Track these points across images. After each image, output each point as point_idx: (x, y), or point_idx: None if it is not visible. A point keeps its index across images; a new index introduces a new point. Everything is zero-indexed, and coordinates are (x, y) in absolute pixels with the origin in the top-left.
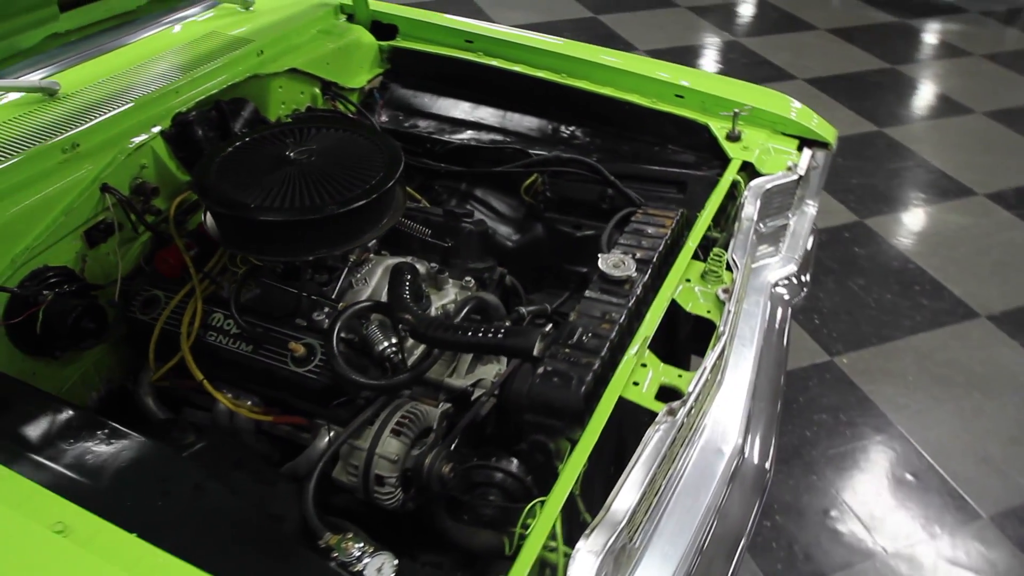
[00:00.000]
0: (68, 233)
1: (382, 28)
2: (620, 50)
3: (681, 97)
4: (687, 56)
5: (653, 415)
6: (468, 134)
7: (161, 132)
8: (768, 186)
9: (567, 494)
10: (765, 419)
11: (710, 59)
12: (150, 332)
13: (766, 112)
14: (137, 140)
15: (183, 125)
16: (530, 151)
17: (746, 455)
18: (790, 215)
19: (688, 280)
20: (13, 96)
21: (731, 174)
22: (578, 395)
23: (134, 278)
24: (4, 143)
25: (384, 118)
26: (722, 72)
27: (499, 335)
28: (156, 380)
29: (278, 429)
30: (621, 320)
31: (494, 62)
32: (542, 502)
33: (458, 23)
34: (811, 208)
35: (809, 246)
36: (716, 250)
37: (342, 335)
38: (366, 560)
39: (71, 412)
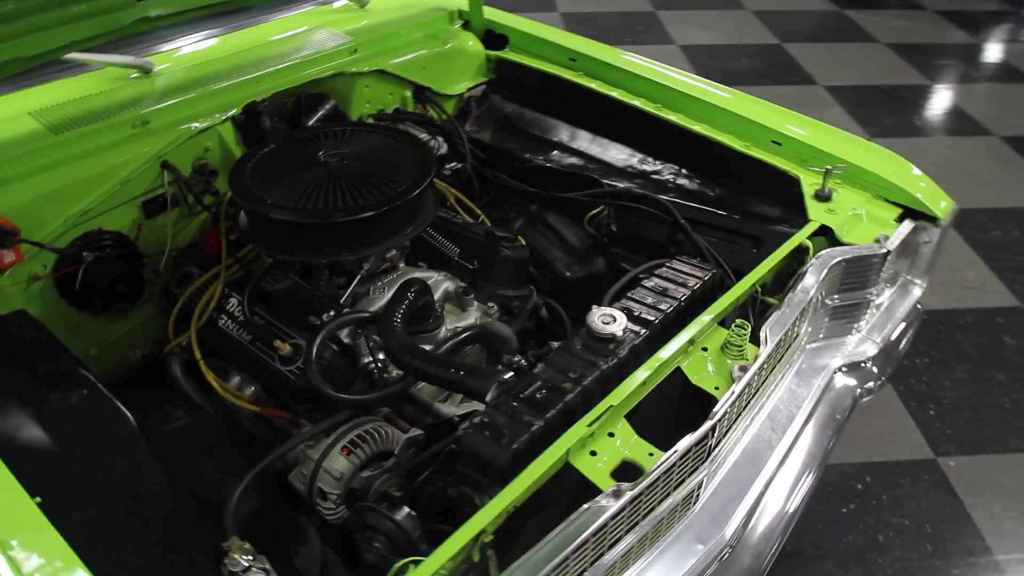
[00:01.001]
0: (126, 202)
1: (494, 37)
2: (797, 84)
3: (778, 144)
4: (870, 97)
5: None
6: (551, 155)
7: (232, 118)
8: (839, 258)
9: (449, 559)
10: (769, 523)
11: (896, 105)
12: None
13: (868, 173)
14: (204, 123)
15: (253, 114)
16: (604, 181)
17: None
18: (873, 292)
19: (705, 349)
20: (113, 69)
21: (800, 237)
22: (506, 453)
23: (188, 253)
24: (85, 112)
25: (475, 128)
26: (907, 121)
27: (460, 373)
28: (168, 352)
29: (277, 421)
30: (587, 382)
31: (593, 84)
32: (416, 563)
33: (565, 39)
34: (916, 288)
35: (901, 330)
36: (739, 321)
37: (334, 343)
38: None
39: (64, 365)
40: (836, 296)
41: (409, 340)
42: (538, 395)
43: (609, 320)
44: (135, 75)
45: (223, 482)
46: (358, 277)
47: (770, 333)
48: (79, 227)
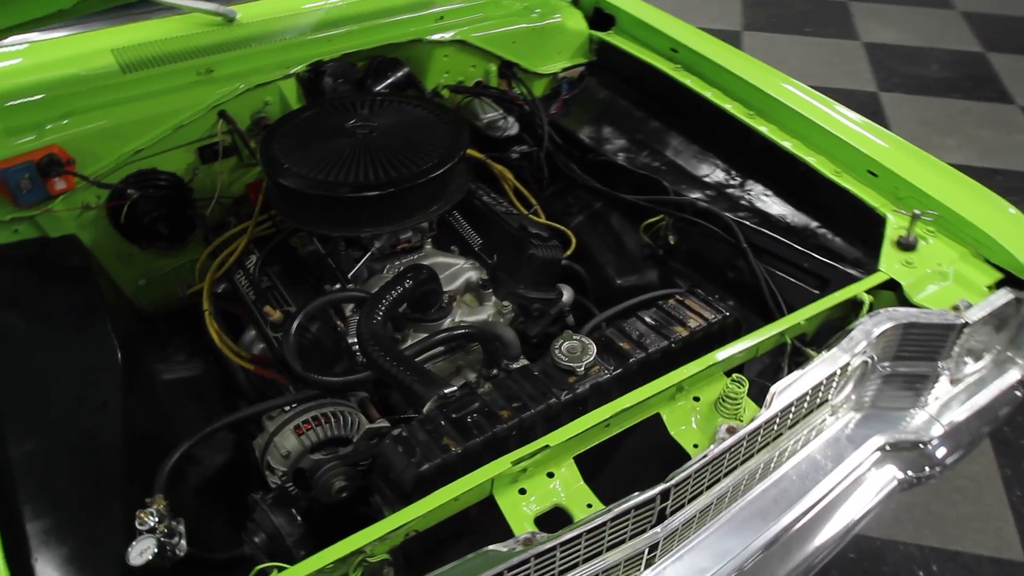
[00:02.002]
0: (181, 146)
1: (603, 17)
2: (989, 101)
3: (874, 175)
4: None
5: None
6: (628, 151)
7: (296, 75)
8: (896, 322)
9: (313, 571)
10: None
11: None
12: (214, 250)
13: (969, 224)
14: (266, 78)
15: (317, 73)
16: (672, 189)
17: None
18: (946, 366)
19: (697, 399)
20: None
21: (856, 289)
22: (409, 474)
23: (238, 203)
24: (158, 55)
25: (560, 112)
26: None
27: (410, 375)
28: (190, 295)
29: (268, 382)
30: (526, 414)
31: (689, 80)
32: (279, 568)
33: (672, 27)
34: (1017, 369)
35: (983, 414)
36: (736, 375)
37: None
38: (141, 535)
39: (85, 292)
40: (894, 364)
41: (380, 329)
42: (469, 418)
43: (576, 350)
44: (219, 22)
45: (194, 433)
46: (368, 254)
47: (777, 395)
48: (133, 164)
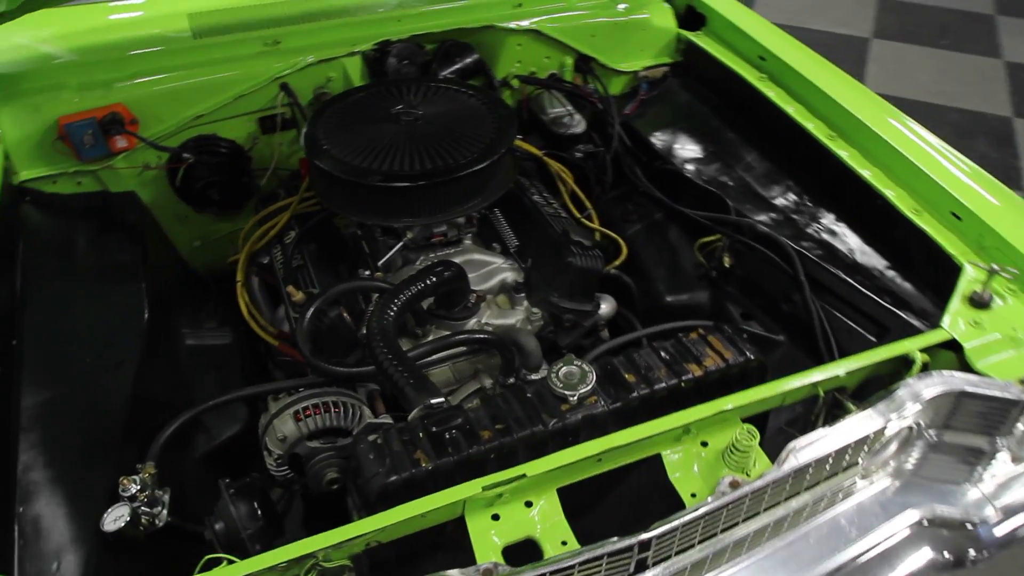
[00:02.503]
0: (242, 115)
1: (694, 16)
2: None
3: (958, 218)
4: None
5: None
6: (698, 162)
7: (362, 53)
8: (947, 389)
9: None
10: None
11: None
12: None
13: None
14: (330, 54)
15: (383, 52)
16: (734, 207)
17: None
18: (1001, 442)
19: (704, 444)
20: None
21: (913, 345)
22: (374, 483)
23: (294, 177)
24: (231, 22)
25: (635, 112)
26: None
27: (406, 378)
28: (229, 263)
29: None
30: (507, 438)
31: (772, 93)
32: (229, 560)
33: (763, 33)
34: None
35: None
36: (748, 426)
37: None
38: (120, 502)
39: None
40: (945, 433)
41: (389, 324)
42: (448, 435)
43: (573, 377)
44: None
45: (206, 400)
46: (400, 244)
47: (794, 453)
48: (194, 129)
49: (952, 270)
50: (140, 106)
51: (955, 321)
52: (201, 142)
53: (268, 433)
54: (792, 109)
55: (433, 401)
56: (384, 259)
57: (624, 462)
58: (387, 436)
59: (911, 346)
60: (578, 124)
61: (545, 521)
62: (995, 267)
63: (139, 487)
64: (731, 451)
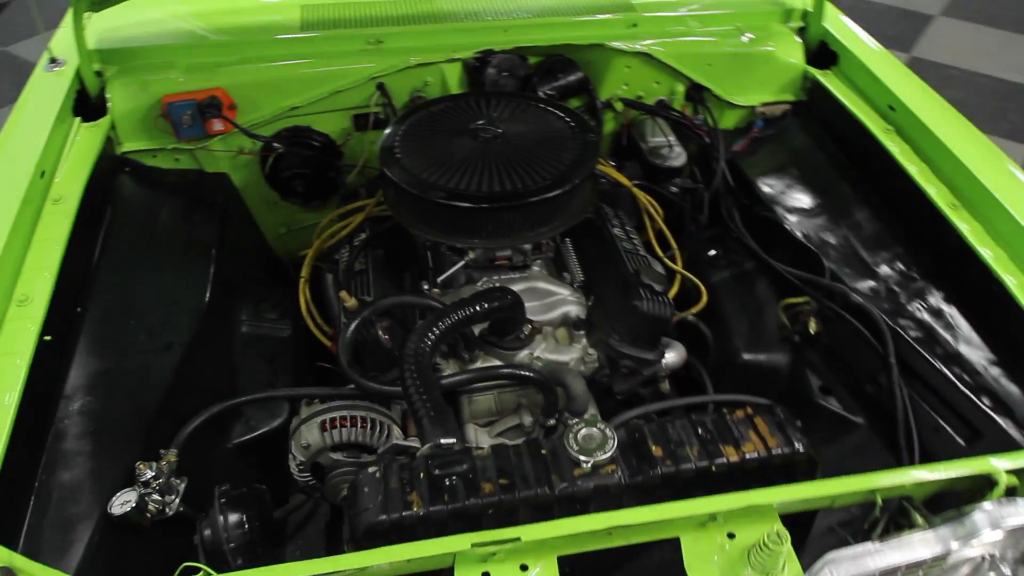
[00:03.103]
0: (338, 110)
1: (827, 53)
2: None
3: None
4: None
5: None
6: (803, 214)
7: (462, 60)
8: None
9: None
10: None
11: None
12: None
13: None
14: (430, 58)
15: (483, 61)
16: (833, 269)
17: None
18: None
19: (731, 536)
20: None
21: (1000, 464)
22: (363, 520)
23: (379, 178)
24: (340, 17)
25: (745, 150)
26: None
27: (426, 409)
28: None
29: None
30: (507, 496)
31: (895, 148)
32: (207, 573)
33: (896, 78)
34: None
35: None
36: (778, 527)
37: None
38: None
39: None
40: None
41: (425, 348)
42: (449, 480)
43: (592, 441)
44: None
45: (251, 392)
46: (461, 263)
47: (830, 566)
48: (290, 119)
49: None
50: (240, 92)
51: None
52: (295, 133)
53: (295, 437)
54: (915, 169)
55: (443, 441)
56: (445, 275)
57: (639, 540)
58: (388, 471)
59: (998, 465)
60: (677, 157)
61: None
62: None
63: (154, 474)
64: (758, 550)
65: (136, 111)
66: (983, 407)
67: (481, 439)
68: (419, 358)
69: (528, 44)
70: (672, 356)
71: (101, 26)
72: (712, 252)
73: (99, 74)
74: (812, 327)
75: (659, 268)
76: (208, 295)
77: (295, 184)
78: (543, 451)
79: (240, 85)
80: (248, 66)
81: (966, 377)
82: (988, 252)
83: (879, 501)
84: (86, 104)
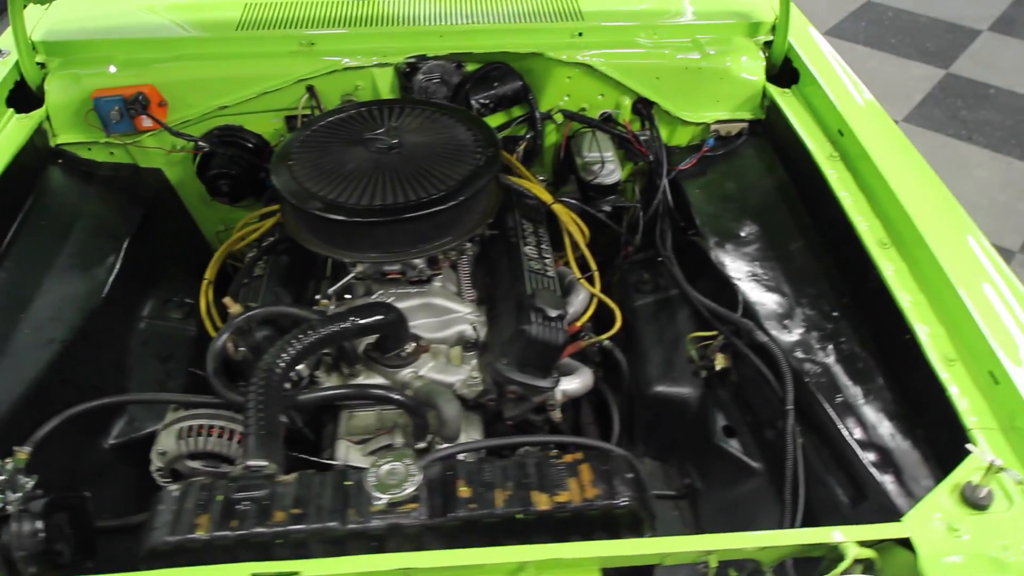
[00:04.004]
0: (269, 111)
1: (790, 71)
2: None
3: (996, 382)
4: None
5: None
6: (732, 239)
7: (394, 65)
8: None
9: None
10: None
11: None
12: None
13: None
14: (360, 61)
15: (413, 67)
16: (749, 301)
17: None
18: None
19: None
20: None
21: (852, 535)
22: (148, 540)
23: None
24: (277, 18)
25: (691, 168)
26: None
27: (255, 428)
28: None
29: None
30: (294, 528)
31: (835, 176)
32: None
33: (848, 103)
34: None
35: None
36: None
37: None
38: None
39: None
40: None
41: (278, 364)
42: (242, 506)
43: (395, 477)
44: None
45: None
46: (348, 277)
47: None
48: (220, 118)
49: (958, 442)
50: (171, 89)
51: (926, 516)
52: (227, 132)
53: (155, 443)
54: (850, 200)
55: (253, 463)
56: (336, 287)
57: None
58: (190, 490)
59: (850, 536)
60: (610, 174)
61: None
62: (998, 462)
63: (4, 476)
64: None
65: (70, 104)
66: (871, 467)
67: (352, 456)
68: (270, 374)
69: (463, 51)
70: (571, 384)
71: (57, 17)
72: (642, 276)
73: (42, 65)
74: (719, 363)
75: (558, 291)
76: (107, 290)
77: (220, 183)
78: (348, 482)
79: (171, 83)
80: (178, 63)
81: (858, 431)
82: (908, 297)
83: (713, 564)
84: (25, 95)
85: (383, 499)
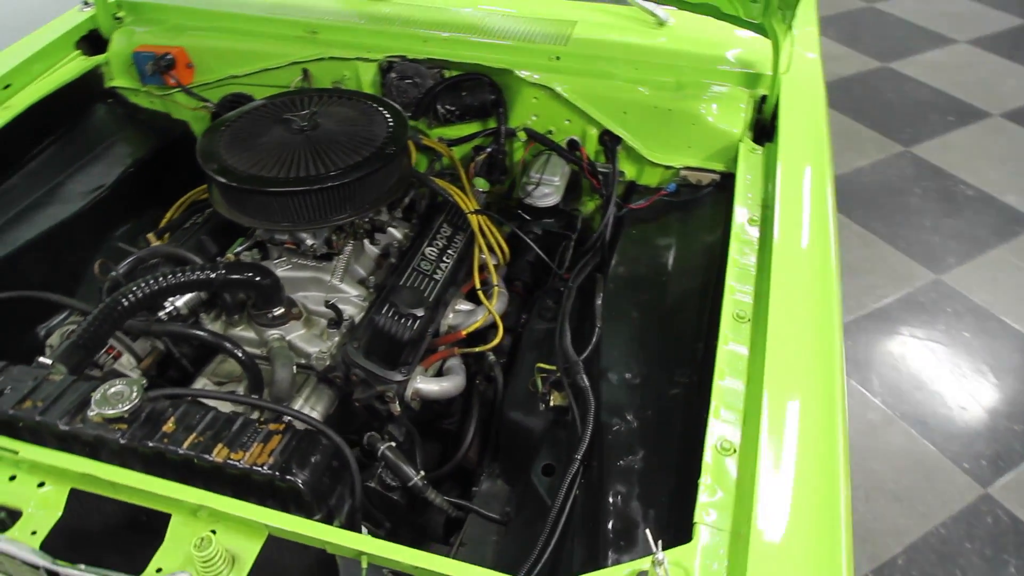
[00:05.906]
0: (268, 85)
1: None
2: None
3: None
4: None
5: None
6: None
7: (378, 61)
8: None
9: None
10: None
11: None
12: None
13: None
14: (344, 54)
15: (391, 65)
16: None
17: None
18: None
19: (214, 532)
20: None
21: None
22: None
23: None
24: (293, 4)
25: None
26: None
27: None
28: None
29: None
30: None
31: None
32: None
33: (792, 171)
34: None
35: None
36: (207, 536)
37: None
38: None
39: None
40: None
41: (130, 290)
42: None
43: (116, 398)
44: None
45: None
46: (250, 242)
47: None
48: (232, 86)
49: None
50: (198, 54)
51: None
52: (237, 98)
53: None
54: (736, 283)
55: (43, 359)
56: (240, 247)
57: (141, 503)
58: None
59: None
60: (543, 197)
61: (24, 500)
62: (660, 556)
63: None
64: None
65: (124, 54)
66: (607, 531)
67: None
68: (117, 299)
69: (440, 57)
70: (429, 384)
71: None
72: (547, 302)
73: (119, 19)
74: (554, 399)
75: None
76: (88, 203)
77: None
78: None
79: (199, 48)
80: (207, 32)
81: (619, 500)
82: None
83: (364, 564)
84: (97, 41)
85: (95, 412)
